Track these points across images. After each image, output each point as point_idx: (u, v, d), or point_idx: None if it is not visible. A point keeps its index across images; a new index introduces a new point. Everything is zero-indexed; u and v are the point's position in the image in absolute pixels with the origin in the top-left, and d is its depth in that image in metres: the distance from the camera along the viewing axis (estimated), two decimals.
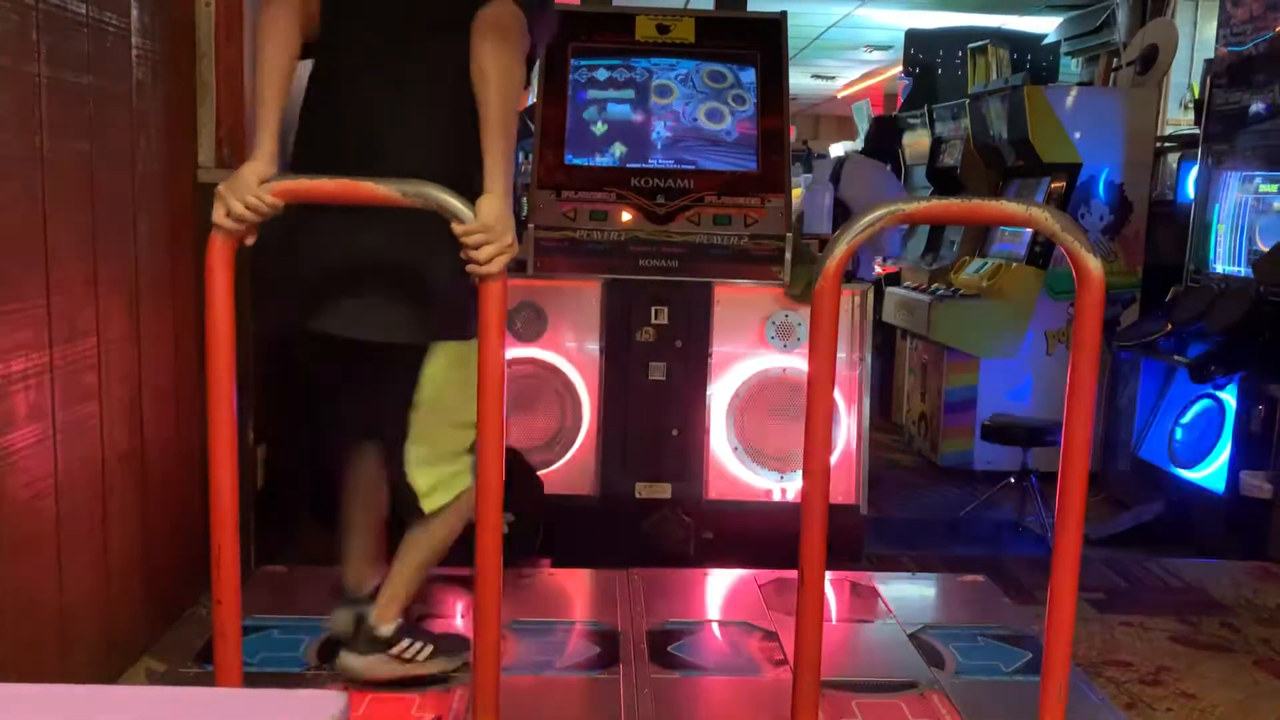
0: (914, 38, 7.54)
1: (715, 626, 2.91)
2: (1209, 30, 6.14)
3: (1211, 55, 5.06)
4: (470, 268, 1.92)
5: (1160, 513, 4.38)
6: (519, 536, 3.09)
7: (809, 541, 1.81)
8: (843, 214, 4.09)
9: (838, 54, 11.61)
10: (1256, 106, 4.29)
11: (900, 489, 5.04)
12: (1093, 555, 3.65)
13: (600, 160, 3.56)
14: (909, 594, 3.24)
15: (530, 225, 3.44)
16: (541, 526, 3.31)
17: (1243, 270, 4.35)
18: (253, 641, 2.46)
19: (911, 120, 6.95)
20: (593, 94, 3.64)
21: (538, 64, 3.70)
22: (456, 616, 2.84)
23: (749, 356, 3.59)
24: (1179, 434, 4.59)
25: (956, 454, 5.30)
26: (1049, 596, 1.83)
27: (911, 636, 2.82)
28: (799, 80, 11.93)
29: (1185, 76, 6.57)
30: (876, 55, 11.47)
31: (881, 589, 3.17)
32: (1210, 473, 4.33)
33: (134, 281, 2.59)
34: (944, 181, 6.30)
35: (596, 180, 3.50)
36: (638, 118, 3.62)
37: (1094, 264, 1.75)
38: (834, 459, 3.41)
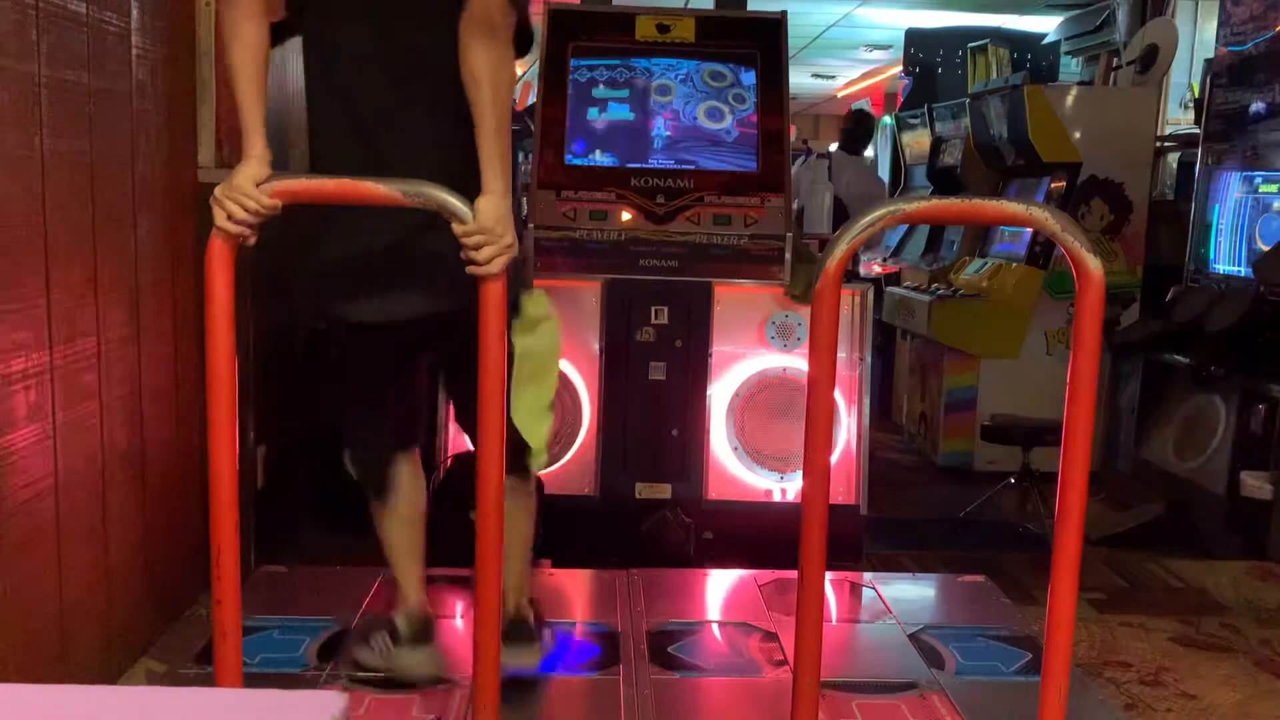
0: (914, 37, 7.55)
1: (715, 627, 2.91)
2: (1209, 30, 6.15)
3: (1211, 55, 5.06)
4: (470, 268, 1.92)
5: (1160, 513, 4.38)
6: None
7: (809, 541, 1.81)
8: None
9: (838, 54, 11.61)
10: (1256, 106, 4.29)
11: (900, 489, 5.03)
12: (1093, 555, 3.65)
13: (600, 160, 3.56)
14: (909, 594, 3.24)
15: (530, 225, 3.43)
16: (542, 527, 3.30)
17: (1243, 270, 4.35)
18: (253, 641, 2.45)
19: (911, 120, 6.96)
20: (593, 94, 3.64)
21: (537, 64, 3.70)
22: (457, 617, 2.84)
23: (749, 356, 3.59)
24: (1179, 434, 4.59)
25: (956, 454, 5.30)
26: (1049, 596, 1.83)
27: (911, 637, 2.82)
28: (799, 80, 11.92)
29: (1185, 76, 6.57)
30: (876, 55, 11.47)
31: (881, 589, 3.17)
32: (1210, 473, 4.33)
33: (134, 281, 2.59)
34: (944, 181, 6.30)
35: (596, 180, 3.50)
36: (638, 118, 3.62)
37: (1094, 264, 1.75)
38: (834, 459, 3.41)
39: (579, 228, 3.45)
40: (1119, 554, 3.93)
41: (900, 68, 8.06)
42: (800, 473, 1.87)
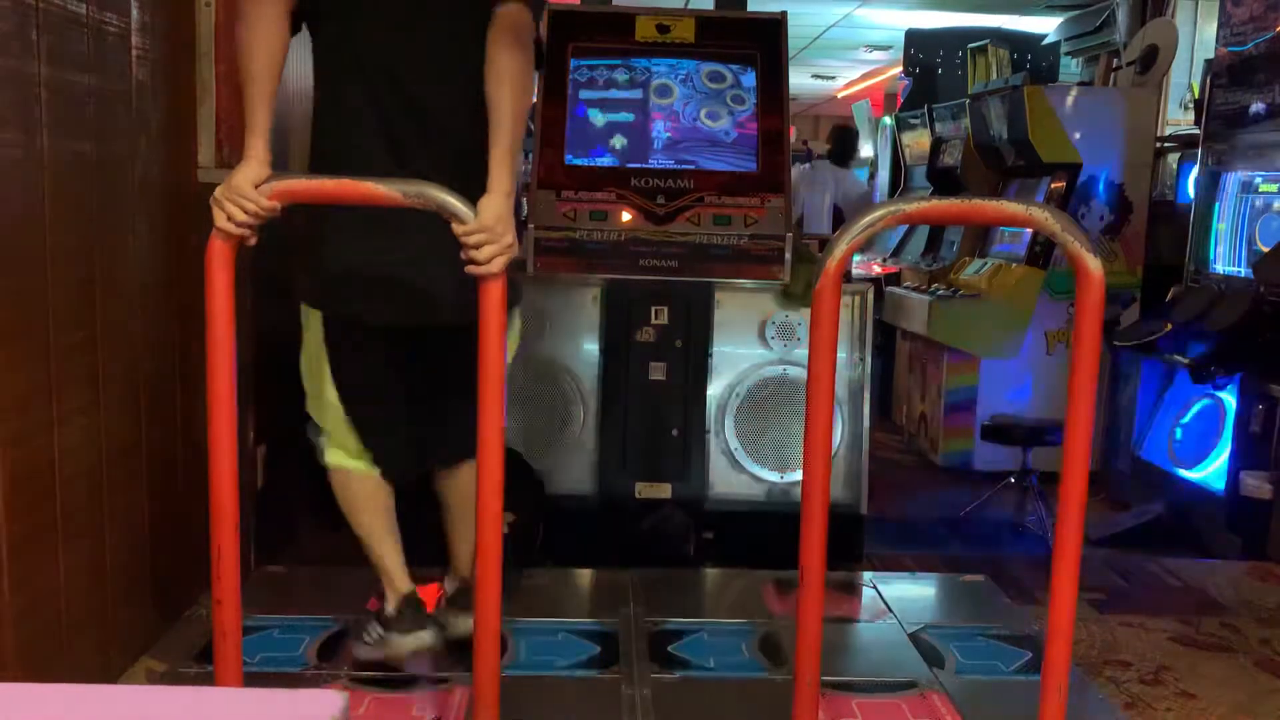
0: (914, 38, 7.55)
1: (715, 626, 2.91)
2: (1209, 30, 6.14)
3: (1211, 55, 5.06)
4: (470, 268, 1.92)
5: (1160, 513, 4.38)
6: (519, 536, 3.09)
7: (809, 541, 1.81)
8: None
9: (838, 54, 11.61)
10: (1256, 106, 4.29)
11: (900, 489, 5.03)
12: (1093, 555, 3.65)
13: (600, 160, 3.56)
14: (909, 594, 3.24)
15: (530, 225, 3.44)
16: (541, 526, 3.31)
17: (1243, 270, 4.35)
18: (253, 641, 2.46)
19: (911, 120, 6.96)
20: (593, 94, 3.63)
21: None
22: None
23: (749, 356, 3.59)
24: (1179, 434, 4.59)
25: (956, 454, 5.30)
26: (1049, 596, 1.83)
27: (911, 636, 2.82)
28: (799, 80, 11.92)
29: (1185, 76, 6.56)
30: (876, 55, 11.47)
31: (881, 589, 3.17)
32: (1210, 473, 4.33)
33: (134, 281, 2.59)
34: (944, 181, 6.30)
35: (596, 180, 3.50)
36: (637, 118, 3.62)
37: (1094, 264, 1.75)
38: (834, 459, 3.41)
39: (579, 228, 3.45)
40: (1119, 554, 3.93)
41: (900, 68, 8.06)
42: (800, 473, 1.87)
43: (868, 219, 1.79)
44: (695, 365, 3.54)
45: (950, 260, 5.89)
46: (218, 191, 1.91)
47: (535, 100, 3.73)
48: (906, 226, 6.39)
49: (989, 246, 5.70)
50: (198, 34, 2.91)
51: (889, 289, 6.07)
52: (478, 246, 1.91)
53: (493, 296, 1.90)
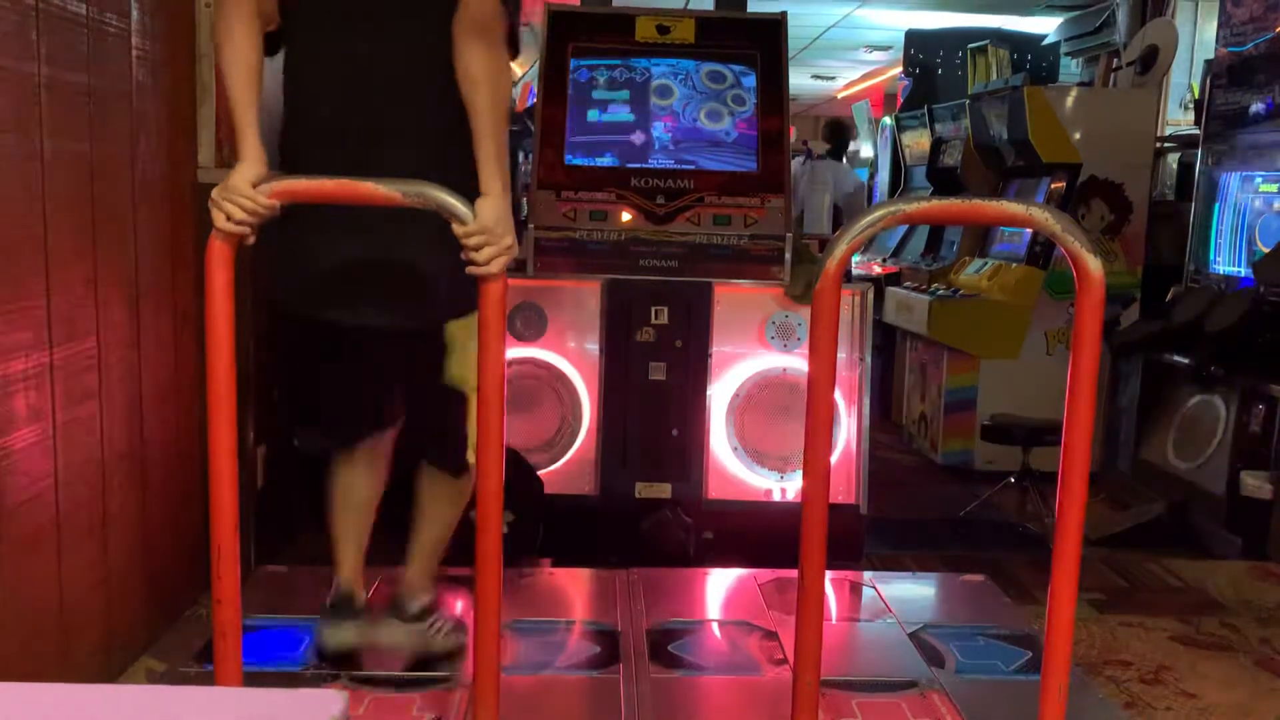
0: (914, 38, 7.55)
1: (715, 626, 2.91)
2: (1209, 30, 6.15)
3: (1211, 55, 5.06)
4: (470, 269, 1.92)
5: (1160, 513, 4.38)
6: (519, 536, 3.09)
7: (809, 541, 1.81)
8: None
9: (838, 54, 11.60)
10: (1256, 106, 4.30)
11: (900, 489, 5.03)
12: (1093, 555, 3.65)
13: (600, 160, 3.56)
14: (909, 594, 3.24)
15: (530, 225, 3.44)
16: (541, 526, 3.31)
17: (1243, 270, 4.35)
18: (253, 641, 2.45)
19: (911, 121, 6.96)
20: (593, 94, 3.64)
21: (537, 64, 3.71)
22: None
23: (749, 356, 3.59)
24: (1179, 434, 4.59)
25: (956, 454, 5.30)
26: (1049, 596, 1.83)
27: (911, 636, 2.82)
28: (799, 80, 11.91)
29: (1185, 76, 6.57)
30: (876, 55, 11.45)
31: (881, 589, 3.17)
32: (1210, 473, 4.33)
33: (134, 281, 2.59)
34: (944, 181, 6.30)
35: (596, 180, 3.50)
36: (638, 118, 3.62)
37: (1094, 264, 1.75)
38: (834, 459, 3.41)
39: (579, 228, 3.45)
40: (1119, 554, 3.93)
41: (900, 68, 8.06)
42: (800, 473, 1.87)
43: (868, 219, 1.79)
44: (695, 365, 3.54)
45: (950, 260, 5.89)
46: (215, 192, 1.91)
47: (536, 100, 3.73)
48: (906, 226, 6.40)
49: (989, 246, 5.71)
50: (197, 35, 2.91)
51: (889, 289, 6.07)
52: (478, 248, 1.91)
53: (493, 297, 1.90)
